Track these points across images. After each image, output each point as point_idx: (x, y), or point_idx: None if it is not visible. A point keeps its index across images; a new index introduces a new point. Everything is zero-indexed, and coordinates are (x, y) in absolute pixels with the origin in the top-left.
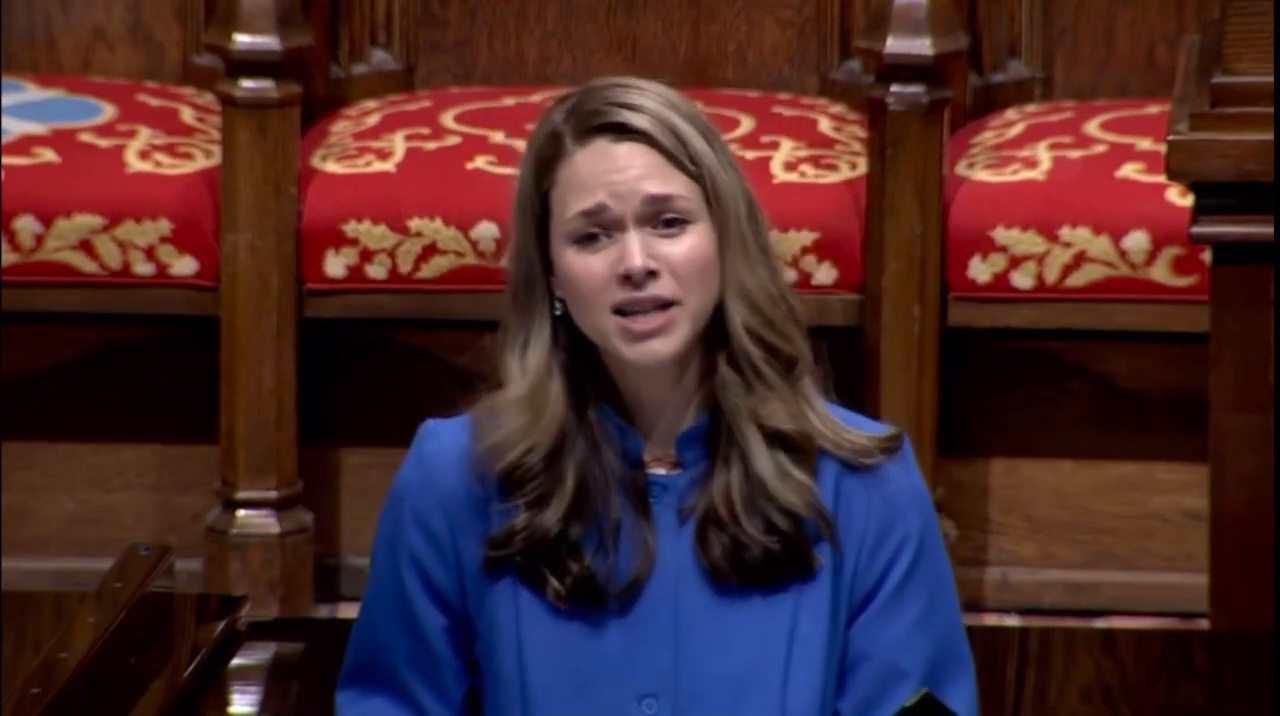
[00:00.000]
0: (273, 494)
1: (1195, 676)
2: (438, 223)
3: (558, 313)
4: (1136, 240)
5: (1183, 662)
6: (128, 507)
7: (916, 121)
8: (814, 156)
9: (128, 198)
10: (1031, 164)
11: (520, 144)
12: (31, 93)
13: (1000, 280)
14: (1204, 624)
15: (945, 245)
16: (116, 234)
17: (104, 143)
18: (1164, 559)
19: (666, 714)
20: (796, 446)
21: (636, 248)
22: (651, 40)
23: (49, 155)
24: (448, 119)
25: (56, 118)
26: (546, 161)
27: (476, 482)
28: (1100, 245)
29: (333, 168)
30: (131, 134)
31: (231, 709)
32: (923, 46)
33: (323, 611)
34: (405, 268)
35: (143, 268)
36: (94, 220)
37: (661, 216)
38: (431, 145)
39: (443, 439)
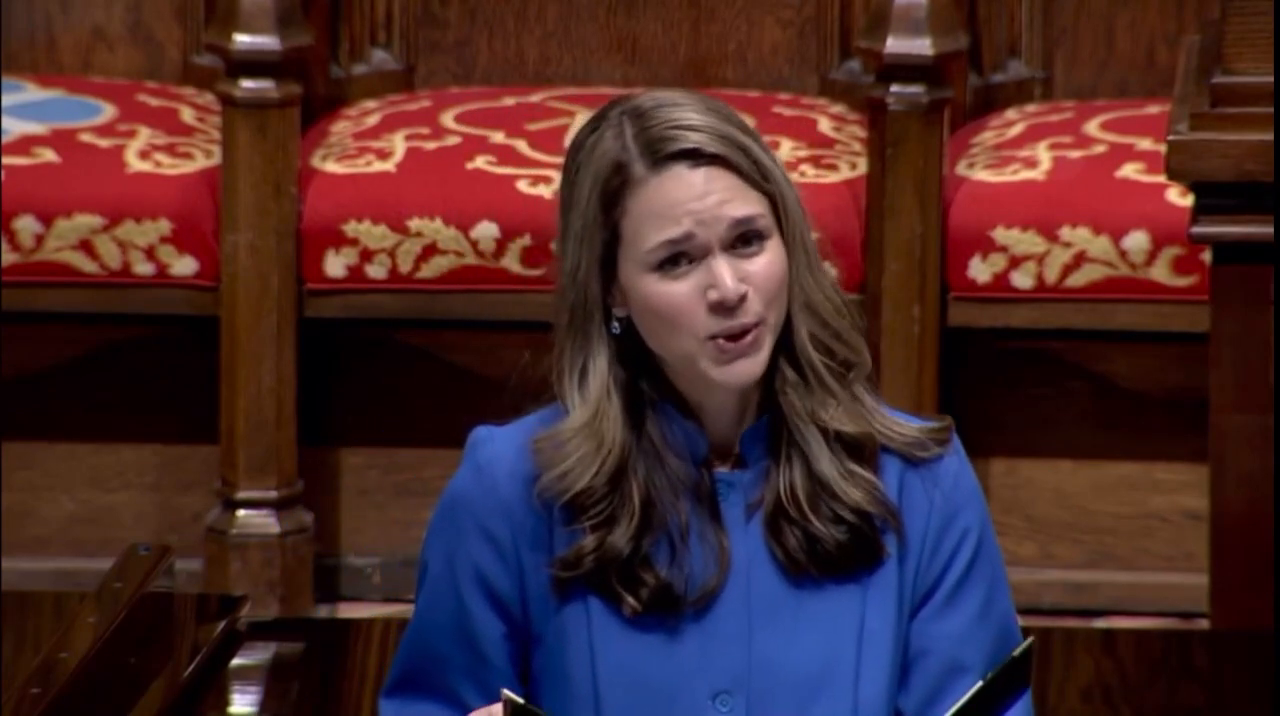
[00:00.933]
0: (273, 494)
1: (1195, 676)
2: (438, 223)
3: (616, 331)
4: (1136, 240)
5: (1183, 662)
6: (128, 507)
7: (916, 121)
8: (814, 156)
9: (128, 198)
10: (1031, 164)
11: (520, 144)
12: (31, 93)
13: (1000, 280)
14: (1204, 624)
15: (945, 245)
16: (116, 234)
17: (104, 143)
18: (1164, 559)
19: (741, 711)
20: (858, 446)
21: (728, 274)
22: (651, 40)
23: (49, 155)
24: (448, 119)
25: (56, 118)
26: (614, 191)
27: (540, 507)
28: (1100, 245)
29: (333, 168)
30: (131, 134)
31: (231, 709)
32: (923, 46)
33: (323, 611)
34: (405, 268)
35: (143, 268)
36: (94, 220)
37: (744, 237)
38: (431, 145)
39: (498, 445)
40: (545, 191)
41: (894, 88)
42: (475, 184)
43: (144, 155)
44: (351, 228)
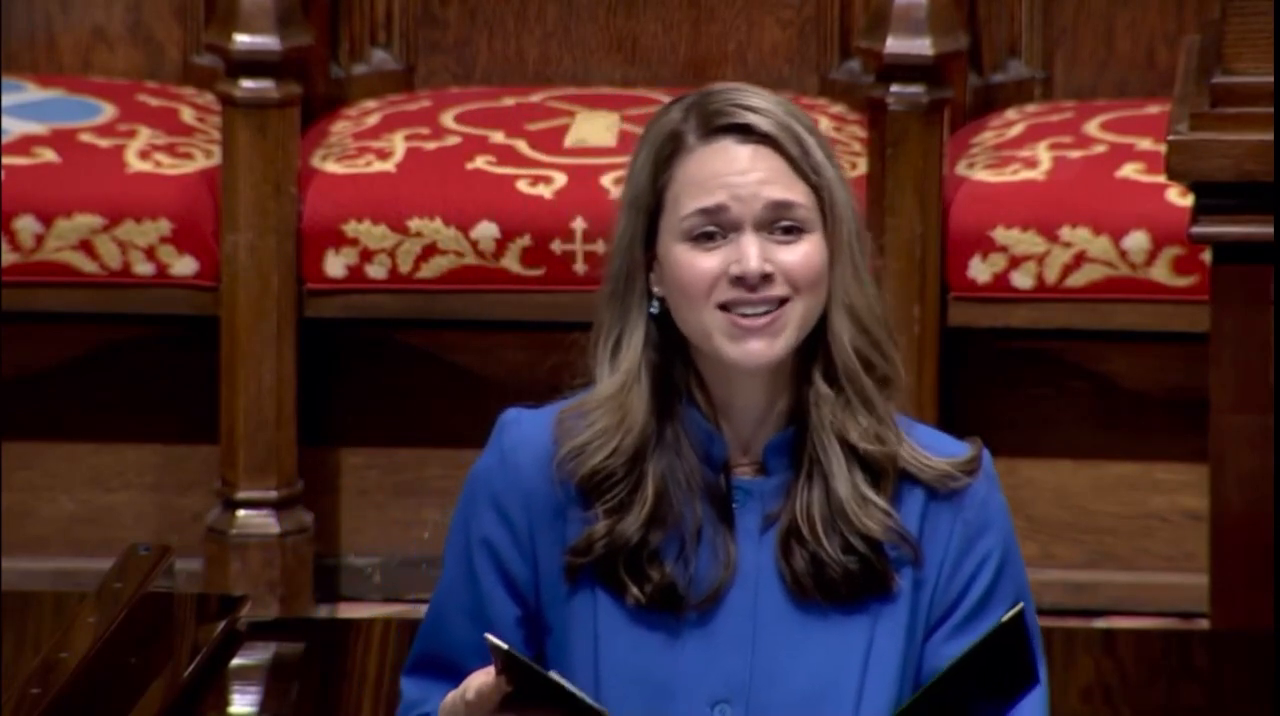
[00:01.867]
0: (273, 494)
1: (1195, 676)
2: (438, 223)
3: (654, 311)
4: (1136, 240)
5: (1183, 662)
6: (128, 507)
7: (916, 121)
8: None
9: (128, 198)
10: (1031, 164)
11: (520, 144)
12: (31, 93)
13: (1000, 280)
14: (1204, 624)
15: (945, 245)
16: (116, 234)
17: (104, 143)
18: (1164, 559)
19: None
20: (878, 468)
21: (754, 251)
22: (651, 40)
23: (49, 155)
24: (448, 119)
25: (56, 118)
26: (665, 158)
27: (558, 485)
28: (1100, 245)
29: (333, 168)
30: (131, 134)
31: (231, 709)
32: (923, 46)
33: (323, 611)
34: (405, 268)
35: (143, 268)
36: (94, 220)
37: (779, 223)
38: (431, 145)
39: (525, 429)
40: (545, 191)
41: (894, 88)
42: (475, 184)
43: (144, 155)
44: (351, 228)
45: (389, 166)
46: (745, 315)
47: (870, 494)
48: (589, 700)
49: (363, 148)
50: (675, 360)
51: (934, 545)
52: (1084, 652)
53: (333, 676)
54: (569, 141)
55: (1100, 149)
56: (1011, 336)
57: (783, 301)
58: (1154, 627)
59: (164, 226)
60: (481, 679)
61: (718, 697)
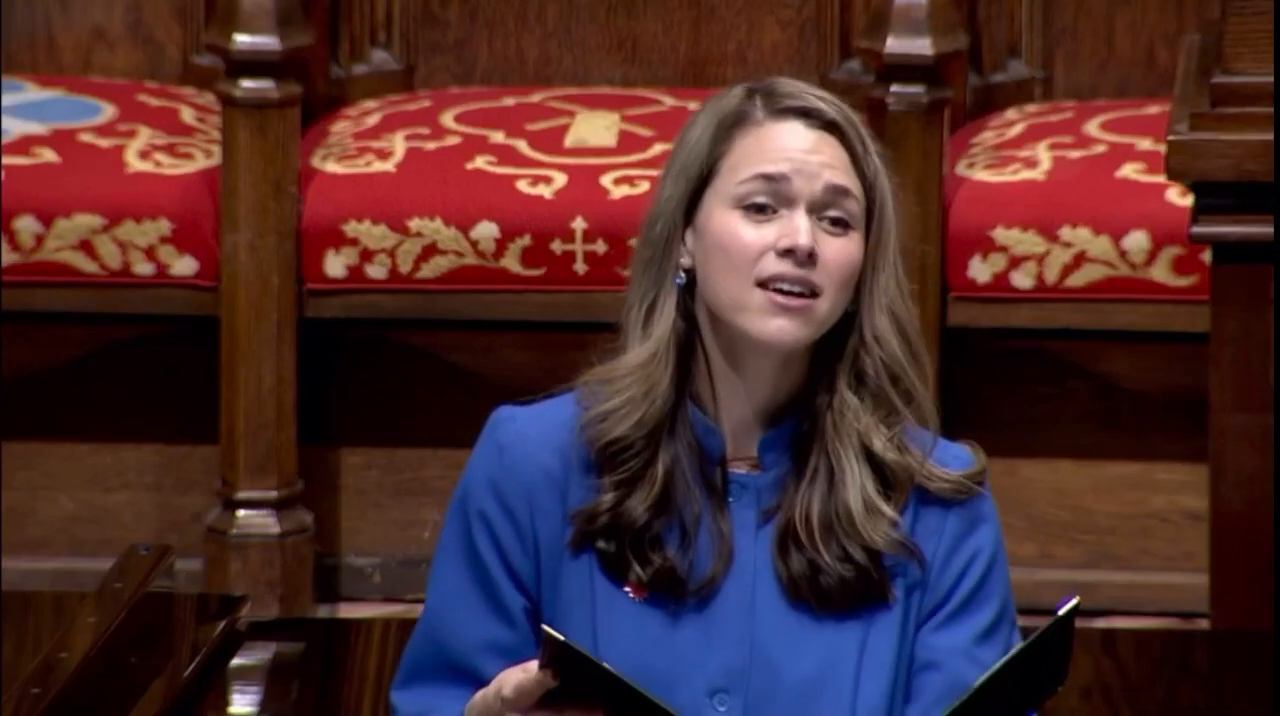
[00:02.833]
0: (273, 494)
1: (1195, 676)
2: (438, 222)
3: (680, 282)
4: (1136, 240)
5: (1183, 662)
6: (128, 507)
7: (916, 121)
8: None
9: (128, 198)
10: (1031, 164)
11: (520, 144)
12: (31, 93)
13: (1000, 280)
14: (1204, 624)
15: (945, 245)
16: (116, 234)
17: (104, 143)
18: (1164, 559)
19: (738, 711)
20: (894, 480)
21: (805, 228)
22: (651, 40)
23: (49, 155)
24: (448, 119)
25: (56, 118)
26: (729, 127)
27: (558, 461)
28: (1100, 245)
29: (333, 168)
30: (131, 134)
31: (231, 709)
32: (923, 46)
33: (323, 611)
34: (405, 268)
35: (143, 268)
36: (94, 220)
37: (831, 210)
38: (431, 145)
39: (520, 424)
40: (545, 191)
41: (894, 88)
42: (475, 184)
43: (144, 155)
44: (351, 228)
45: (389, 166)
46: (784, 292)
47: (881, 504)
48: (649, 694)
49: (363, 148)
50: (694, 341)
51: (926, 543)
52: (1084, 652)
53: (333, 676)
54: (569, 141)
55: (1100, 149)
56: (1011, 336)
57: (814, 293)
58: (1154, 627)
59: (164, 226)
60: (519, 675)
61: (716, 687)
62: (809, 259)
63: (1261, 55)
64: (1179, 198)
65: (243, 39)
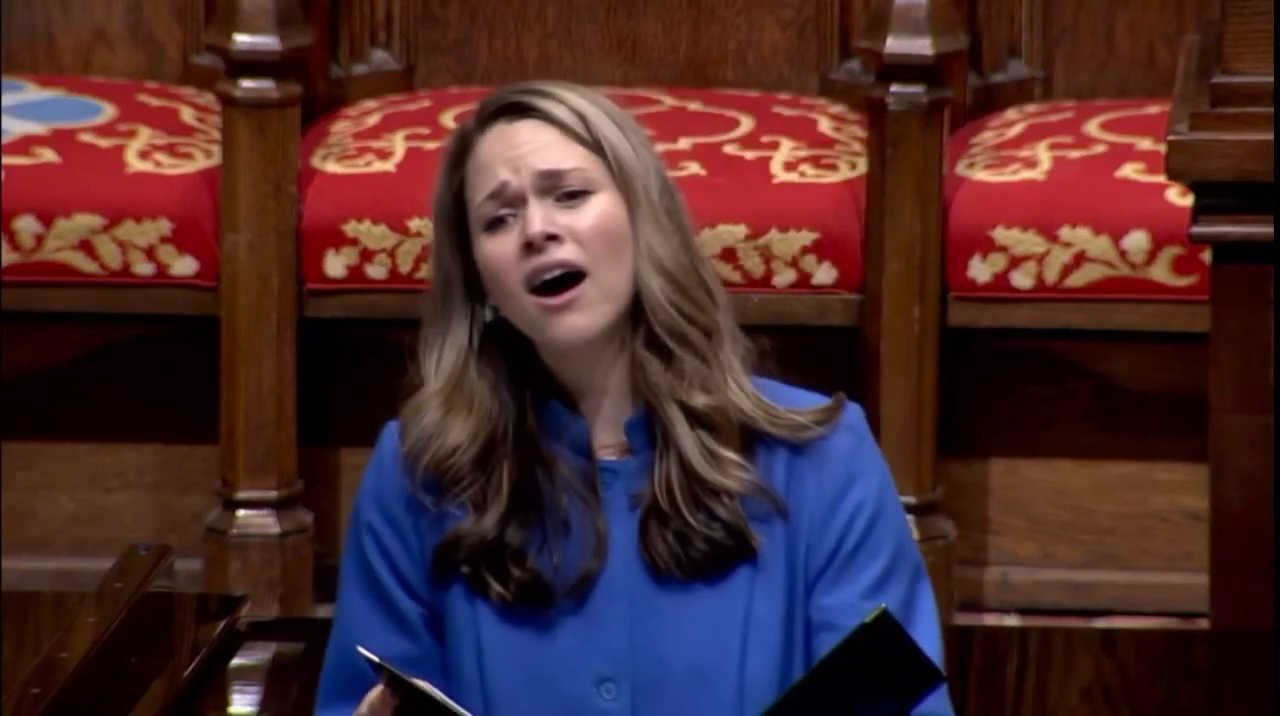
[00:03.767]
0: (273, 494)
1: (1195, 676)
2: None
3: (489, 319)
4: (1136, 240)
5: (1183, 662)
6: (128, 507)
7: (916, 121)
8: (814, 156)
9: (128, 198)
10: (1031, 164)
11: None
12: (31, 93)
13: (1000, 280)
14: (1204, 624)
15: (945, 245)
16: (116, 234)
17: (104, 143)
18: (1164, 559)
19: (625, 698)
20: (716, 423)
21: (536, 215)
22: (651, 40)
23: (49, 155)
24: (448, 119)
25: (56, 118)
26: (455, 162)
27: (423, 487)
28: (1100, 245)
29: (333, 168)
30: (131, 134)
31: (231, 709)
32: (923, 46)
33: (323, 611)
34: (405, 268)
35: (143, 268)
36: (94, 220)
37: (560, 189)
38: (431, 145)
39: (396, 437)
40: None
41: (894, 88)
42: None
43: (144, 155)
44: (351, 228)
45: (389, 166)
46: (547, 294)
47: (719, 449)
48: (457, 708)
49: (363, 148)
50: (521, 361)
51: (803, 502)
52: (1084, 652)
53: None
54: None
55: (1100, 149)
56: (1011, 336)
57: (580, 275)
58: (1154, 627)
59: (164, 226)
60: (374, 693)
61: (602, 676)
62: (548, 241)
63: (1261, 55)
64: (1179, 198)
65: (243, 39)
